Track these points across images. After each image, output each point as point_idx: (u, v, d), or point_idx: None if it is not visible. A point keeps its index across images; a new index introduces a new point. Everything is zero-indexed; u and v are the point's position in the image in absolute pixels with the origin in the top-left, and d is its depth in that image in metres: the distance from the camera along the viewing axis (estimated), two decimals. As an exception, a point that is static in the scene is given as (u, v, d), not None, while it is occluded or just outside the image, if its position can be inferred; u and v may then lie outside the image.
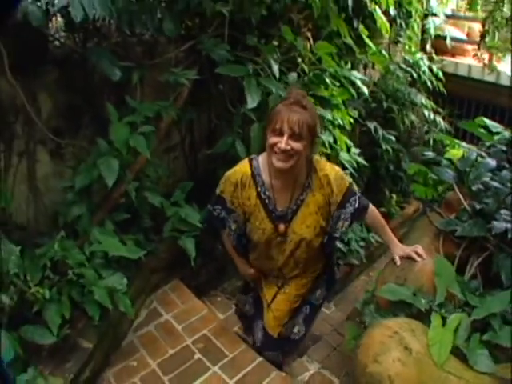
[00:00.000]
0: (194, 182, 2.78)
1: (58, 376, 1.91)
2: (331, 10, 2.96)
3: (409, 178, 3.87)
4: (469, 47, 5.22)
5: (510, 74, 4.50)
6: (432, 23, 4.87)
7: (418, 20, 4.56)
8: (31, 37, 2.05)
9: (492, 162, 2.34)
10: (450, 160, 2.65)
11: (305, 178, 1.94)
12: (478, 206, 2.14)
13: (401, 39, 4.47)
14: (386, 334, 1.74)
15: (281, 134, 1.75)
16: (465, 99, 5.23)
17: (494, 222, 1.97)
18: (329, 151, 2.95)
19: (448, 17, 5.29)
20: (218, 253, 2.96)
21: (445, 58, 5.27)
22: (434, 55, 5.12)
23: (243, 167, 1.97)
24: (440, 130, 4.53)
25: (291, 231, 1.98)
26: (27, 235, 2.29)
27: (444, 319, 1.76)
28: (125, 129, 2.31)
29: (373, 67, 4.14)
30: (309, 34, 3.03)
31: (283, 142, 1.73)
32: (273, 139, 1.77)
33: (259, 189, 1.94)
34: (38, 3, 1.90)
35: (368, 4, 3.45)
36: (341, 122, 3.09)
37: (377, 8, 3.54)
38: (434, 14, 4.94)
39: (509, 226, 1.94)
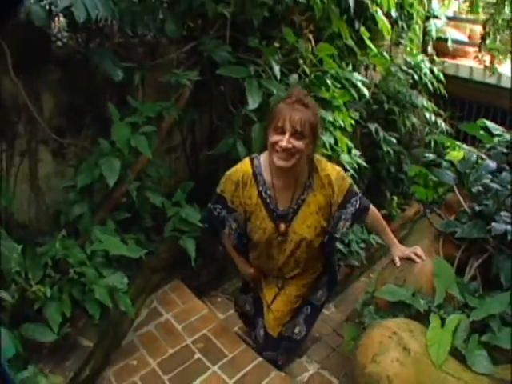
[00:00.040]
0: (195, 182, 2.79)
1: (59, 374, 1.91)
2: (333, 11, 2.97)
3: (409, 179, 3.87)
4: (470, 49, 5.23)
5: (510, 75, 4.50)
6: (433, 25, 4.89)
7: (419, 22, 4.57)
8: (34, 36, 2.07)
9: (492, 164, 2.35)
10: (450, 162, 2.66)
11: (306, 177, 1.94)
12: (477, 208, 2.15)
13: (402, 41, 4.48)
14: (385, 334, 1.75)
15: (283, 133, 1.74)
16: (466, 101, 5.24)
17: (494, 224, 1.98)
18: (330, 153, 2.96)
19: (449, 19, 5.32)
20: (218, 253, 2.97)
21: (446, 60, 5.28)
22: (435, 57, 5.13)
23: (244, 166, 1.97)
24: (441, 132, 4.54)
25: (292, 231, 1.98)
26: (29, 234, 2.30)
27: (443, 320, 1.77)
28: (126, 129, 2.32)
29: (374, 69, 4.14)
30: (310, 36, 3.04)
31: (285, 141, 1.73)
32: (274, 137, 1.76)
33: (260, 188, 1.94)
34: (41, 3, 1.91)
35: (369, 6, 3.46)
36: (342, 124, 3.09)
37: (378, 10, 3.55)
38: (436, 17, 4.96)
39: (508, 227, 1.94)
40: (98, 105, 2.47)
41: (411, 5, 4.19)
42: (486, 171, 2.32)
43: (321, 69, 2.98)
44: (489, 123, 2.76)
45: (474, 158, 2.47)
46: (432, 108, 4.56)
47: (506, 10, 3.81)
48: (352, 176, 3.07)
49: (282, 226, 1.97)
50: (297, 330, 2.32)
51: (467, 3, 4.66)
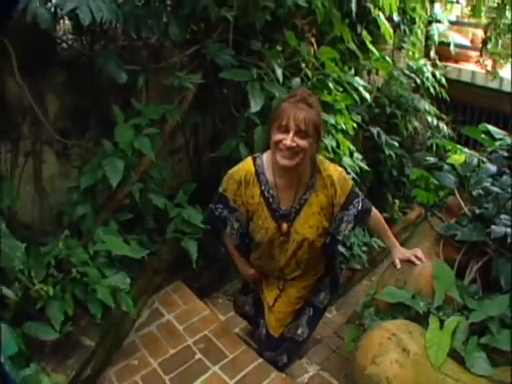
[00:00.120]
0: (198, 184, 2.81)
1: (60, 372, 1.93)
2: (334, 15, 3.00)
3: (411, 183, 3.88)
4: (472, 53, 5.23)
5: (511, 79, 4.52)
6: (436, 29, 4.90)
7: (421, 26, 4.59)
8: (39, 39, 2.09)
9: (493, 168, 2.35)
10: (451, 165, 2.67)
11: (309, 177, 1.94)
12: (477, 211, 2.15)
13: (404, 45, 4.50)
14: (385, 335, 1.75)
15: (286, 131, 1.75)
16: (468, 105, 5.25)
17: (493, 227, 1.98)
18: (332, 156, 2.97)
19: (452, 23, 5.33)
20: (220, 255, 2.99)
21: (448, 64, 5.29)
22: (437, 61, 5.14)
23: (247, 165, 1.97)
24: (443, 136, 4.55)
25: (294, 231, 1.98)
26: (32, 234, 2.32)
27: (442, 322, 1.77)
28: (130, 131, 2.35)
29: (376, 73, 4.16)
30: (312, 40, 3.06)
31: (289, 139, 1.74)
32: (278, 136, 1.77)
33: (263, 187, 1.94)
34: (47, 6, 1.93)
35: (372, 10, 3.48)
36: (344, 127, 3.11)
37: (380, 14, 3.58)
38: (438, 21, 4.98)
39: (508, 230, 1.95)
40: (102, 107, 2.50)
41: (413, 9, 4.22)
42: (486, 175, 2.33)
43: (323, 72, 3.00)
44: (491, 127, 2.77)
45: (475, 161, 2.48)
46: (434, 112, 4.57)
47: (508, 13, 3.82)
48: (354, 179, 3.08)
49: (284, 226, 1.97)
50: (299, 332, 2.32)
51: (469, 7, 4.68)
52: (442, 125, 4.61)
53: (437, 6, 4.97)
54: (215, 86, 2.77)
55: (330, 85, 2.97)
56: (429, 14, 4.80)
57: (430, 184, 2.80)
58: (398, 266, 2.08)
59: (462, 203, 2.28)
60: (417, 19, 4.35)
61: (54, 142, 2.38)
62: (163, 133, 2.56)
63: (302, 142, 1.75)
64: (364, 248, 3.86)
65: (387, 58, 3.97)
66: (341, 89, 3.10)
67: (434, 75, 4.72)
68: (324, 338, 2.72)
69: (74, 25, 2.33)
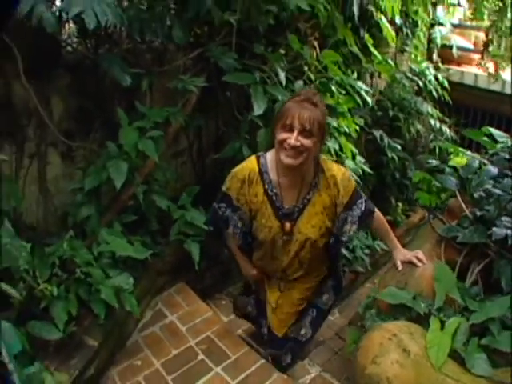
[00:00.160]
0: (201, 186, 2.82)
1: (64, 372, 1.95)
2: (337, 19, 3.01)
3: (414, 186, 3.89)
4: (475, 56, 5.24)
5: (511, 82, 4.52)
6: (438, 32, 4.91)
7: (424, 29, 4.61)
8: (45, 42, 2.11)
9: (494, 170, 2.36)
10: (453, 168, 2.68)
11: (312, 177, 1.95)
12: (479, 213, 2.16)
13: (407, 48, 4.51)
14: (386, 336, 1.76)
15: (291, 130, 1.76)
16: (471, 108, 5.26)
17: (494, 229, 1.99)
18: (334, 158, 2.98)
19: (454, 26, 5.34)
20: (222, 257, 3.01)
21: (451, 67, 5.30)
22: (440, 64, 5.16)
23: (250, 164, 1.98)
24: (446, 139, 4.55)
25: (297, 230, 1.99)
26: (37, 235, 2.34)
27: (443, 323, 1.78)
28: (134, 133, 2.37)
29: (379, 76, 4.18)
30: (315, 43, 3.08)
31: (293, 138, 1.75)
32: (282, 135, 1.78)
33: (266, 186, 1.95)
34: (52, 10, 1.96)
35: (374, 13, 3.50)
36: (347, 130, 3.13)
37: (382, 17, 3.59)
38: (441, 24, 4.99)
39: (509, 232, 1.95)
40: (106, 109, 2.52)
41: (416, 12, 4.23)
42: (487, 177, 2.34)
43: (325, 75, 3.02)
44: (493, 130, 2.78)
45: (477, 163, 2.49)
46: (437, 115, 4.58)
47: (509, 16, 3.83)
48: (357, 182, 3.09)
49: (288, 225, 1.98)
50: (302, 332, 2.33)
51: (471, 10, 4.69)
52: (445, 128, 4.61)
53: (439, 8, 4.98)
54: (218, 89, 2.79)
55: (333, 88, 2.98)
56: (431, 16, 4.81)
57: (432, 186, 2.81)
58: (400, 267, 2.10)
59: (464, 205, 2.30)
60: (419, 22, 4.36)
61: (58, 144, 2.40)
62: (167, 135, 2.58)
63: (307, 142, 1.76)
64: (367, 251, 3.86)
65: (390, 61, 3.99)
66: (343, 92, 3.11)
67: (436, 78, 4.73)
68: (326, 340, 2.73)
69: (78, 28, 2.35)
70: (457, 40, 5.19)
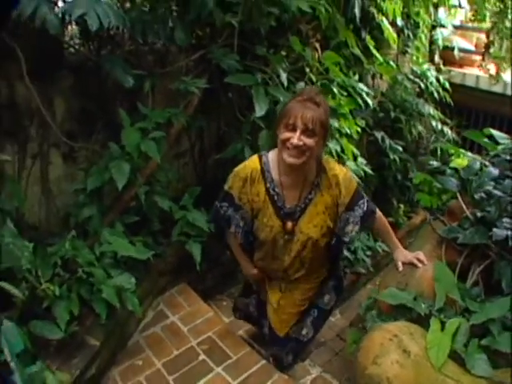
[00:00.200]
0: (203, 187, 2.83)
1: (65, 371, 1.96)
2: (338, 21, 3.02)
3: (415, 187, 3.89)
4: (477, 58, 5.24)
5: (511, 83, 4.52)
6: (440, 34, 4.92)
7: (425, 31, 4.62)
8: (48, 44, 2.13)
9: (495, 171, 2.36)
10: (454, 169, 2.68)
11: (314, 176, 1.95)
12: (479, 214, 2.16)
13: (408, 50, 4.52)
14: (386, 336, 1.77)
15: (294, 130, 1.76)
16: (472, 110, 5.26)
17: (495, 229, 1.99)
18: (336, 160, 2.99)
19: (456, 28, 5.34)
20: (224, 258, 3.02)
21: (453, 68, 5.30)
22: (441, 66, 5.16)
23: (253, 163, 1.99)
24: (448, 141, 4.56)
25: (298, 230, 1.99)
26: (39, 235, 2.35)
27: (443, 324, 1.78)
28: (136, 134, 2.38)
29: (381, 77, 4.18)
30: (317, 45, 3.10)
31: (296, 138, 1.75)
32: (285, 134, 1.78)
33: (268, 185, 1.95)
34: (55, 11, 1.97)
35: (376, 15, 3.51)
36: (348, 131, 3.14)
37: (384, 19, 3.60)
38: (442, 25, 4.99)
39: (509, 233, 1.95)
40: (108, 110, 2.53)
41: (417, 14, 4.24)
42: (488, 178, 2.34)
43: (327, 77, 3.03)
44: (495, 132, 2.78)
45: (478, 165, 2.48)
46: (438, 116, 4.59)
47: (510, 17, 3.83)
48: (358, 183, 3.10)
49: (289, 224, 1.98)
50: (304, 332, 2.34)
51: (473, 12, 4.70)
52: (447, 129, 4.62)
53: (441, 10, 4.98)
54: (220, 91, 2.81)
55: (335, 89, 3.00)
56: (433, 18, 4.81)
57: (433, 188, 2.81)
58: (400, 268, 2.10)
59: (464, 206, 2.30)
60: (421, 24, 4.37)
61: (61, 145, 2.42)
62: (169, 136, 2.59)
63: (309, 141, 1.77)
64: (368, 252, 3.87)
65: (391, 62, 4.00)
66: (345, 93, 3.12)
67: (437, 80, 4.73)
68: (327, 341, 2.74)
69: (81, 30, 2.37)
70: (458, 42, 5.19)
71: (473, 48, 5.47)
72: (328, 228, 2.01)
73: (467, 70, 5.32)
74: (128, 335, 2.46)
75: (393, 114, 4.22)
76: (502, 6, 3.86)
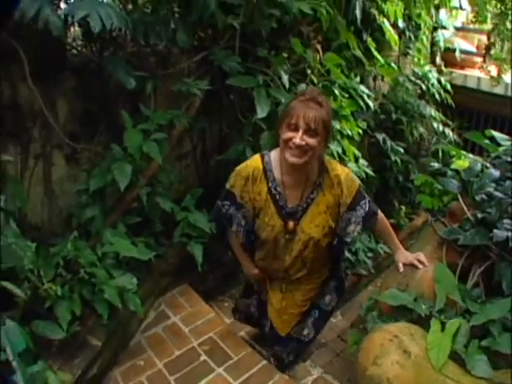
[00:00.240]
0: (205, 188, 2.84)
1: (67, 371, 1.97)
2: (339, 23, 3.03)
3: (417, 189, 3.90)
4: (478, 59, 5.25)
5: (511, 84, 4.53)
6: (441, 36, 4.92)
7: (427, 33, 4.62)
8: (51, 45, 2.15)
9: (496, 173, 2.37)
10: (455, 171, 2.68)
11: (316, 176, 1.95)
12: (480, 216, 2.17)
13: (410, 52, 4.52)
14: (386, 337, 1.77)
15: (296, 130, 1.77)
16: (474, 111, 5.27)
17: (495, 231, 1.99)
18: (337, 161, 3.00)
19: (458, 29, 5.35)
20: (225, 259, 3.03)
21: (454, 70, 5.30)
22: (443, 67, 5.16)
23: (255, 162, 1.99)
24: (449, 142, 4.56)
25: (300, 230, 1.99)
26: (41, 235, 2.36)
27: (443, 324, 1.79)
28: (138, 135, 2.39)
29: (382, 79, 4.19)
30: (318, 46, 3.11)
31: (298, 137, 1.75)
32: (288, 134, 1.79)
33: (270, 184, 1.95)
34: (58, 13, 1.99)
35: (377, 17, 3.52)
36: (349, 133, 3.14)
37: (385, 21, 3.61)
38: (444, 27, 5.00)
39: (510, 234, 1.96)
40: (111, 112, 2.55)
41: (419, 15, 4.24)
42: (489, 180, 2.34)
43: (328, 79, 3.04)
44: (496, 133, 2.78)
45: (479, 166, 2.49)
46: (440, 118, 4.59)
47: (511, 19, 3.84)
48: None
49: (291, 224, 1.98)
50: (305, 332, 2.34)
51: (474, 14, 4.70)
52: (448, 131, 4.62)
53: (442, 12, 4.99)
54: (222, 92, 2.81)
55: (336, 91, 3.01)
56: (434, 20, 4.82)
57: (434, 189, 2.82)
58: (401, 269, 2.11)
59: (465, 208, 2.30)
60: (422, 25, 4.37)
61: (63, 146, 2.43)
62: (171, 138, 2.60)
63: (311, 141, 1.77)
64: (369, 254, 3.87)
65: (393, 64, 4.01)
66: (346, 95, 3.13)
67: (439, 81, 4.74)
68: (328, 342, 2.74)
69: (83, 32, 2.38)
70: (460, 43, 5.19)
71: (474, 50, 5.47)
72: (330, 228, 2.01)
73: (468, 72, 5.32)
74: (130, 335, 2.47)
75: (394, 116, 4.22)
76: (502, 8, 3.86)
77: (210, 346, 2.48)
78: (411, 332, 1.79)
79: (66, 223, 2.49)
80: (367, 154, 3.94)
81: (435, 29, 4.96)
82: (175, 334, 2.55)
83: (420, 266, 2.06)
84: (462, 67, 5.39)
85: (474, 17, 4.46)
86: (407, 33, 4.23)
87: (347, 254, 3.60)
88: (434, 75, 4.72)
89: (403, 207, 4.56)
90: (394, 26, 3.83)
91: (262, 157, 2.00)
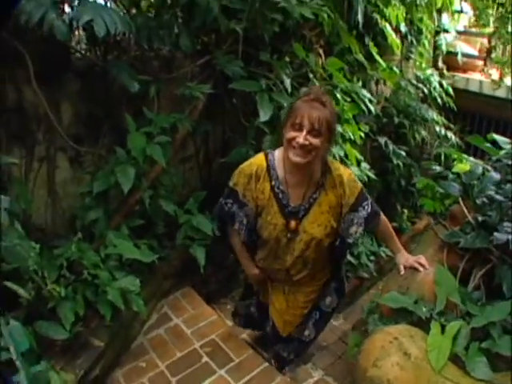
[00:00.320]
0: (207, 191, 2.85)
1: (69, 371, 1.98)
2: (341, 27, 3.05)
3: (419, 192, 3.91)
4: (480, 63, 5.26)
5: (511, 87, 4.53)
6: (444, 39, 4.93)
7: (429, 36, 4.63)
8: (55, 48, 2.16)
9: (496, 176, 2.38)
10: (457, 174, 2.70)
11: (319, 176, 1.97)
12: (481, 219, 2.18)
13: (412, 55, 4.53)
14: (387, 339, 1.79)
15: (300, 129, 1.78)
16: (476, 115, 5.27)
17: (496, 233, 2.01)
18: (339, 164, 3.01)
19: (460, 33, 5.35)
20: (227, 262, 3.04)
21: (456, 73, 5.31)
22: (445, 71, 5.17)
23: (259, 160, 2.01)
24: (451, 146, 4.56)
25: (302, 229, 2.00)
26: (45, 237, 2.38)
27: (443, 327, 1.80)
28: (142, 138, 2.41)
29: (384, 83, 4.19)
30: (320, 51, 3.12)
31: (302, 137, 1.77)
32: (291, 133, 1.80)
33: (273, 182, 1.97)
34: (63, 17, 2.01)
35: (379, 21, 3.53)
36: (351, 137, 3.15)
37: (387, 25, 3.62)
38: (446, 31, 5.01)
39: (510, 237, 1.97)
40: (114, 115, 2.56)
41: (421, 19, 4.26)
42: (490, 183, 2.35)
43: (330, 83, 3.05)
44: (497, 137, 2.79)
45: (480, 170, 2.50)
46: (442, 121, 4.59)
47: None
48: (361, 187, 3.12)
49: (293, 223, 1.99)
50: (306, 333, 2.37)
51: (476, 17, 4.72)
52: (450, 134, 4.62)
53: (444, 15, 5.00)
54: (225, 96, 2.83)
55: (338, 95, 3.01)
56: (436, 24, 4.83)
57: (436, 193, 2.83)
58: (402, 271, 2.12)
59: (466, 211, 2.31)
60: (424, 29, 4.38)
61: (67, 149, 2.45)
62: (174, 141, 2.61)
63: (315, 141, 1.79)
64: (372, 257, 3.88)
65: (395, 68, 4.02)
66: (348, 99, 3.14)
67: (441, 85, 4.74)
68: (329, 345, 2.76)
69: (88, 36, 2.40)
70: (462, 47, 5.20)
71: (476, 53, 5.47)
72: (332, 228, 2.02)
73: (470, 75, 5.32)
74: (132, 337, 2.48)
75: (396, 120, 4.23)
76: (503, 11, 3.88)
77: (212, 347, 2.49)
78: (411, 334, 1.80)
79: (70, 225, 2.50)
80: (369, 157, 3.95)
81: (437, 32, 4.97)
82: (177, 335, 2.56)
83: (421, 269, 2.07)
84: (465, 71, 5.39)
85: (475, 20, 4.47)
86: (409, 37, 4.24)
87: (349, 258, 3.61)
88: (435, 79, 4.72)
89: (406, 211, 4.57)
90: (396, 30, 3.85)
91: (266, 155, 2.01)
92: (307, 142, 1.78)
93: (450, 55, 5.15)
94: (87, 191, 2.44)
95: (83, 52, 2.48)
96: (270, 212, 1.99)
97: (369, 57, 3.56)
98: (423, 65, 4.76)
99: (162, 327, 2.61)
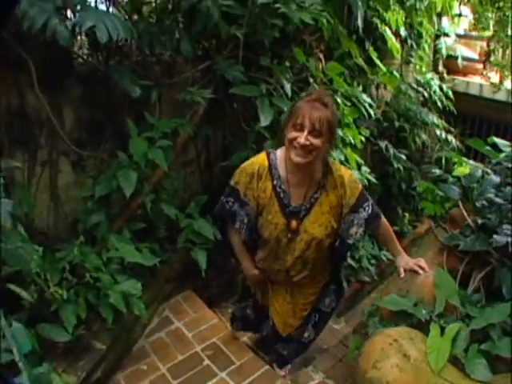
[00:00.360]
0: (209, 195, 2.86)
1: (71, 374, 2.00)
2: (341, 32, 3.07)
3: (420, 196, 3.91)
4: (480, 66, 5.26)
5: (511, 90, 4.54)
6: (444, 43, 4.95)
7: (428, 40, 4.65)
8: (58, 54, 2.19)
9: (496, 179, 2.38)
10: (457, 177, 2.70)
11: (320, 176, 1.98)
12: (480, 221, 2.18)
13: (412, 59, 4.55)
14: (386, 341, 1.79)
15: (301, 130, 1.79)
16: (476, 118, 5.28)
17: (495, 236, 2.00)
18: (340, 166, 3.02)
19: (460, 37, 5.36)
20: (228, 266, 3.05)
21: (456, 77, 5.32)
22: (445, 75, 5.19)
23: (261, 159, 2.02)
24: (452, 149, 4.57)
25: (303, 229, 2.00)
26: (47, 240, 2.40)
27: (443, 329, 1.80)
28: (143, 143, 2.43)
29: (385, 87, 4.21)
30: (321, 55, 3.14)
31: (303, 137, 1.78)
32: (293, 134, 1.82)
33: (275, 182, 1.97)
34: (66, 23, 2.04)
35: (379, 26, 3.55)
36: (352, 141, 3.17)
37: (387, 29, 3.64)
38: (446, 34, 5.02)
39: (509, 239, 1.97)
40: (116, 120, 2.59)
41: (420, 23, 4.27)
42: (490, 186, 2.36)
43: (331, 87, 3.06)
44: (497, 140, 2.80)
45: (479, 173, 2.51)
46: (442, 125, 4.61)
47: (511, 25, 3.87)
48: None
49: (294, 223, 1.99)
50: (306, 335, 2.39)
51: (475, 20, 4.73)
52: (451, 138, 4.63)
53: (444, 19, 5.01)
54: (226, 101, 2.85)
55: (338, 100, 3.03)
56: (436, 27, 4.85)
57: (436, 196, 2.84)
58: (402, 274, 2.12)
59: (466, 214, 2.32)
60: (424, 33, 4.40)
61: (70, 153, 2.47)
62: (175, 145, 2.63)
63: (316, 141, 1.80)
64: (373, 261, 3.88)
65: (395, 72, 4.04)
66: (349, 103, 3.16)
67: (441, 89, 4.76)
68: (330, 348, 2.76)
69: (90, 41, 2.43)
70: (462, 50, 5.20)
71: (476, 57, 5.48)
72: (332, 228, 2.03)
73: (471, 79, 5.33)
74: (133, 340, 2.49)
75: (397, 124, 4.25)
76: (501, 15, 3.89)
77: (213, 350, 2.50)
78: (411, 336, 1.81)
79: (72, 229, 2.52)
80: (370, 161, 3.97)
81: (437, 36, 4.98)
82: (179, 339, 2.58)
83: (420, 272, 2.07)
84: (465, 74, 5.40)
85: (475, 24, 4.48)
86: (409, 41, 4.25)
87: (350, 261, 3.62)
88: (436, 82, 4.74)
89: (407, 214, 4.58)
90: (396, 34, 3.87)
91: (268, 154, 2.02)
92: (308, 143, 1.79)
93: (450, 59, 5.15)
94: (89, 195, 2.46)
95: (85, 57, 2.51)
96: (271, 211, 2.00)
97: (369, 61, 3.58)
98: (423, 69, 4.77)
99: (163, 330, 2.63)
